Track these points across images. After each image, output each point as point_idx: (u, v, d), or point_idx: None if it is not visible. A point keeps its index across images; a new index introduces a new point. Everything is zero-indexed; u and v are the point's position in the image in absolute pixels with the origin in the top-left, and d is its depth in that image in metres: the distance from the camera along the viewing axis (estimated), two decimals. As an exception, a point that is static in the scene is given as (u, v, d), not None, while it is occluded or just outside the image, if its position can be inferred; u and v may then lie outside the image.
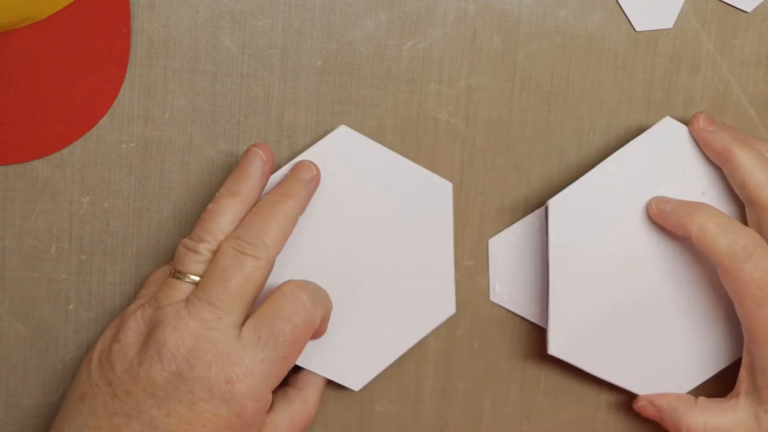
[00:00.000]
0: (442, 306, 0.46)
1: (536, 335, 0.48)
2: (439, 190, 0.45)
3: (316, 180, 0.43)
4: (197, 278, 0.40)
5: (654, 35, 0.47)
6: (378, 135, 0.46)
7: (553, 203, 0.45)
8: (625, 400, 0.49)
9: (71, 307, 0.45)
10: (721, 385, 0.48)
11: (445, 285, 0.46)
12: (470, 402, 0.48)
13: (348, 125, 0.45)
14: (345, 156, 0.44)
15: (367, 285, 0.45)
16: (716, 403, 0.45)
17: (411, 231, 0.45)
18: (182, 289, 0.39)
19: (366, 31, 0.45)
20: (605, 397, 0.49)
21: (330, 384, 0.46)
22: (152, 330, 0.39)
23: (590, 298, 0.45)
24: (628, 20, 0.47)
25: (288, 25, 0.45)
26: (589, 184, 0.45)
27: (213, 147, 0.45)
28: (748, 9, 0.47)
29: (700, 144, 0.45)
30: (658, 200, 0.45)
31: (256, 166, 0.41)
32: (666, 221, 0.45)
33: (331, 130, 0.45)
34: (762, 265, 0.42)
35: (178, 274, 0.40)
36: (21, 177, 0.44)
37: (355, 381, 0.46)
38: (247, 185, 0.41)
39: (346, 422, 0.47)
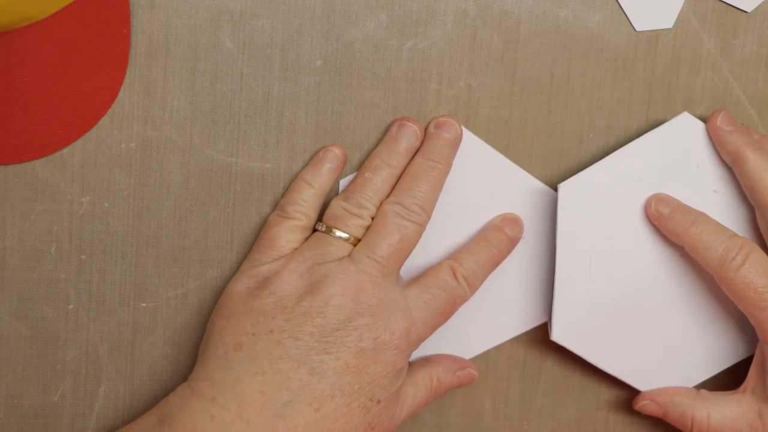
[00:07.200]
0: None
1: (537, 335, 0.48)
2: (543, 197, 0.47)
3: (459, 138, 0.45)
4: (354, 239, 0.43)
5: (654, 35, 0.47)
6: (378, 135, 0.46)
7: (564, 187, 0.45)
8: (626, 400, 0.49)
9: (71, 307, 0.45)
10: (727, 383, 0.48)
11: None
12: (470, 402, 0.48)
13: (348, 125, 0.45)
14: (466, 161, 0.46)
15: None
16: (720, 396, 0.45)
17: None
18: (343, 247, 0.43)
19: (366, 31, 0.45)
20: (605, 397, 0.49)
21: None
22: (317, 283, 0.41)
23: (596, 286, 0.45)
24: (628, 20, 0.47)
25: (288, 25, 0.45)
26: (601, 172, 0.45)
27: (213, 147, 0.45)
28: (748, 9, 0.47)
29: (714, 142, 0.45)
30: (658, 201, 0.45)
31: (410, 141, 0.45)
32: (661, 226, 0.45)
33: (332, 130, 0.45)
34: (755, 269, 0.42)
35: (339, 234, 0.43)
36: (21, 177, 0.44)
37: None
38: (402, 158, 0.45)
39: (346, 422, 0.47)
